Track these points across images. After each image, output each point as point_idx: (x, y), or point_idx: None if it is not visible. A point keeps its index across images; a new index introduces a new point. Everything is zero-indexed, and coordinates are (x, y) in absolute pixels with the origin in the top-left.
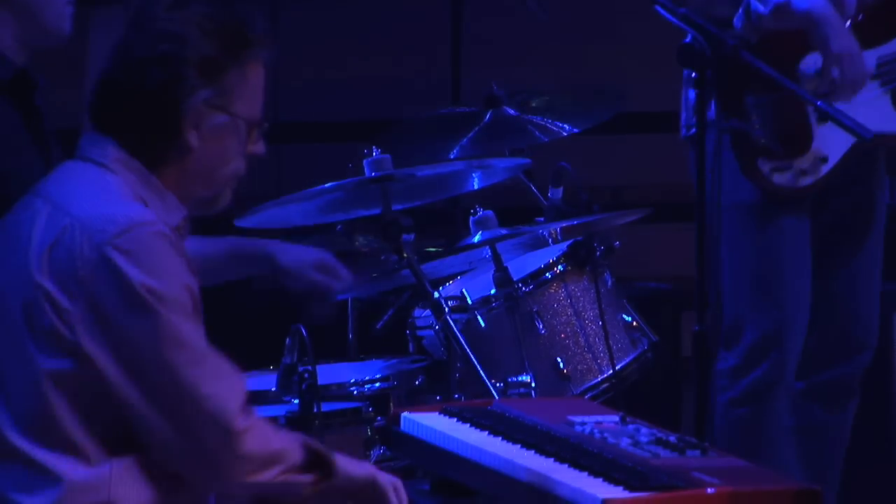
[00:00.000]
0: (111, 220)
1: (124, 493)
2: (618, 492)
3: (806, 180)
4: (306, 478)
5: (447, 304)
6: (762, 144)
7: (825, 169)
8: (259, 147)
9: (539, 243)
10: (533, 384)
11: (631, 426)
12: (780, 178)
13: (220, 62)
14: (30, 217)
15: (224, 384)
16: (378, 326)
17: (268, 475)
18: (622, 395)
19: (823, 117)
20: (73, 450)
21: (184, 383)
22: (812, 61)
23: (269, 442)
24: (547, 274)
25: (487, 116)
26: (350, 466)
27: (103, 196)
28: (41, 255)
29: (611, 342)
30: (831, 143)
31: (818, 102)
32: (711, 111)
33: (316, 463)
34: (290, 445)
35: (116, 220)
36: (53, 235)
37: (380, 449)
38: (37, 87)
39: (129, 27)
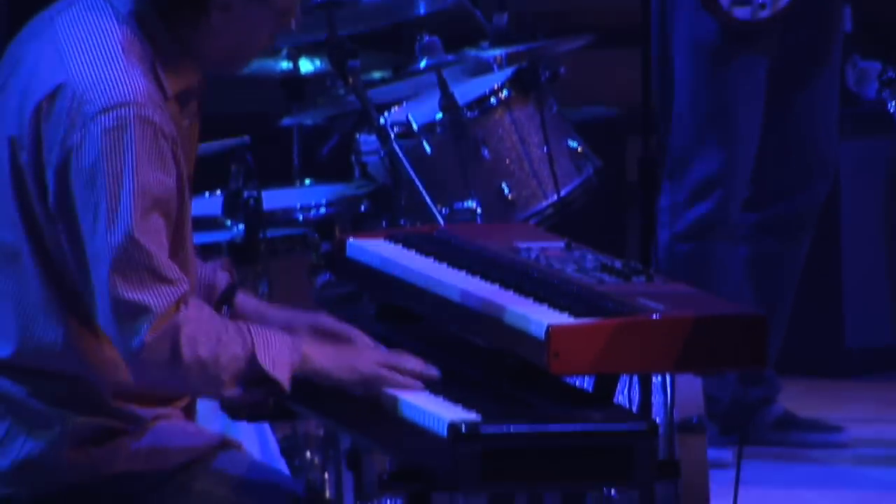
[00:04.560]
0: (103, 91)
1: None
2: (563, 318)
3: (765, 13)
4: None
5: (393, 130)
6: None
7: (783, 2)
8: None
9: (484, 69)
10: (478, 210)
11: (576, 252)
12: (740, 12)
13: None
14: (35, 53)
15: (146, 294)
16: (323, 152)
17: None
18: (567, 222)
19: None
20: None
21: (104, 281)
22: None
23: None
24: (492, 100)
25: None
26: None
27: (106, 57)
28: (36, 106)
29: (556, 168)
30: None
31: None
32: None
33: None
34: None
35: (109, 94)
36: (48, 89)
37: (325, 275)
38: None
39: None
